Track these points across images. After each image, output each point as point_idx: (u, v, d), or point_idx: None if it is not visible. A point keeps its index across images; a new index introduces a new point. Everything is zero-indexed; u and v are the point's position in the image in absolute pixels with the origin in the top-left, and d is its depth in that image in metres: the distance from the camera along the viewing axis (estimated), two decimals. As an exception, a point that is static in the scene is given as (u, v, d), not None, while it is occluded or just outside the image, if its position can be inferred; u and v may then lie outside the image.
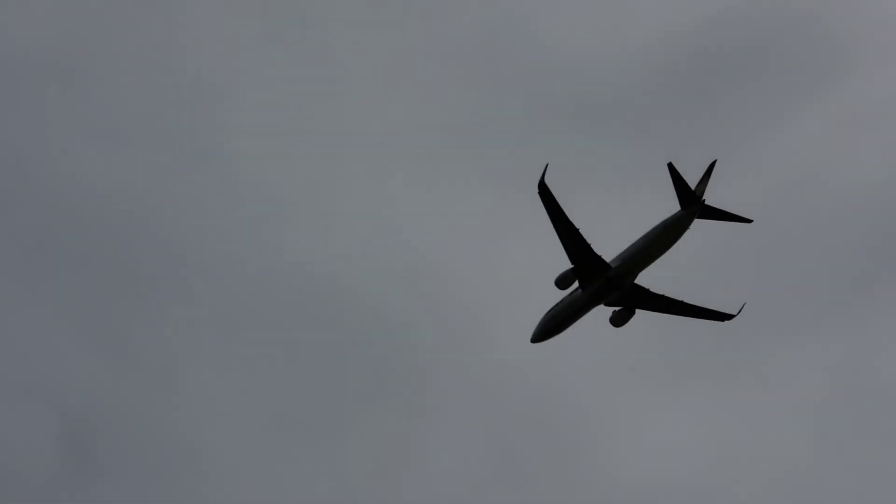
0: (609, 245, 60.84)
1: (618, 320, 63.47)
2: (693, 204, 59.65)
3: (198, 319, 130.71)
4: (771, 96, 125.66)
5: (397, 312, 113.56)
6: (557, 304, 64.12)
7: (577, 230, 60.81)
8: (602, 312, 63.60)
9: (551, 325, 63.85)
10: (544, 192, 59.19)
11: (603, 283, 61.68)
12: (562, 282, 61.53)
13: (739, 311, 63.51)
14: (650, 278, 60.88)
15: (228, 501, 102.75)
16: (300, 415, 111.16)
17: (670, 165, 57.42)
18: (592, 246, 61.63)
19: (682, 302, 63.27)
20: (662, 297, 63.34)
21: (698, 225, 61.01)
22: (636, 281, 62.81)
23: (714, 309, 63.34)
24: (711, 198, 60.36)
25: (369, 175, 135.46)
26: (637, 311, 63.47)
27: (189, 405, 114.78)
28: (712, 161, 59.80)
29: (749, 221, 59.80)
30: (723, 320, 63.44)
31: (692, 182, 60.22)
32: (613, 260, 62.66)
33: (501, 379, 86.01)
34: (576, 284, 62.83)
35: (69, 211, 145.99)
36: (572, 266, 62.10)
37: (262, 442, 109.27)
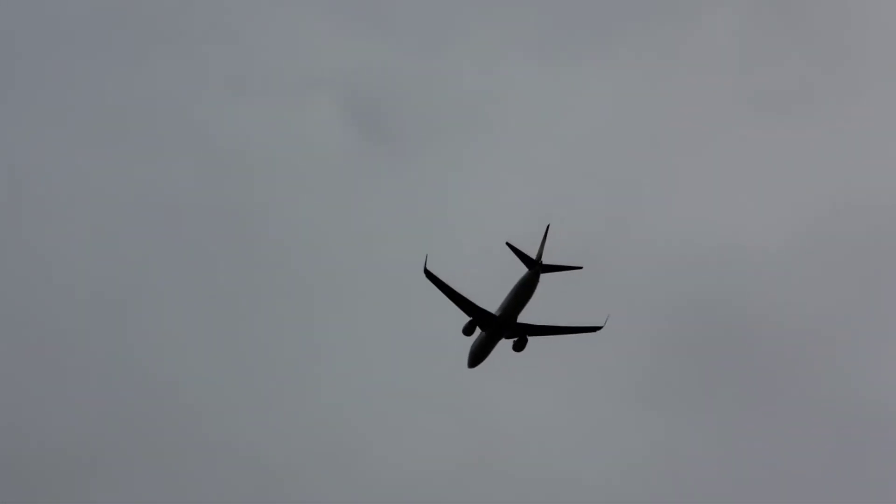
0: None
1: (517, 347, 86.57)
2: (534, 265, 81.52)
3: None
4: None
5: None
6: (475, 342, 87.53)
7: (466, 298, 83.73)
8: (507, 343, 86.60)
9: (475, 357, 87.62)
10: (430, 277, 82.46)
11: (495, 328, 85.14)
12: (467, 330, 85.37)
13: (605, 323, 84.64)
14: (534, 314, 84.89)
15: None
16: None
17: (507, 244, 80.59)
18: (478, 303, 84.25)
19: (560, 326, 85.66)
20: (544, 326, 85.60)
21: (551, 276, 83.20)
22: (519, 320, 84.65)
23: (586, 326, 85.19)
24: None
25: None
26: (530, 337, 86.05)
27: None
28: (547, 225, 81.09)
29: (580, 268, 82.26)
30: (594, 331, 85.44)
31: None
32: (497, 310, 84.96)
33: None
34: (479, 329, 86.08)
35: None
36: (475, 314, 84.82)
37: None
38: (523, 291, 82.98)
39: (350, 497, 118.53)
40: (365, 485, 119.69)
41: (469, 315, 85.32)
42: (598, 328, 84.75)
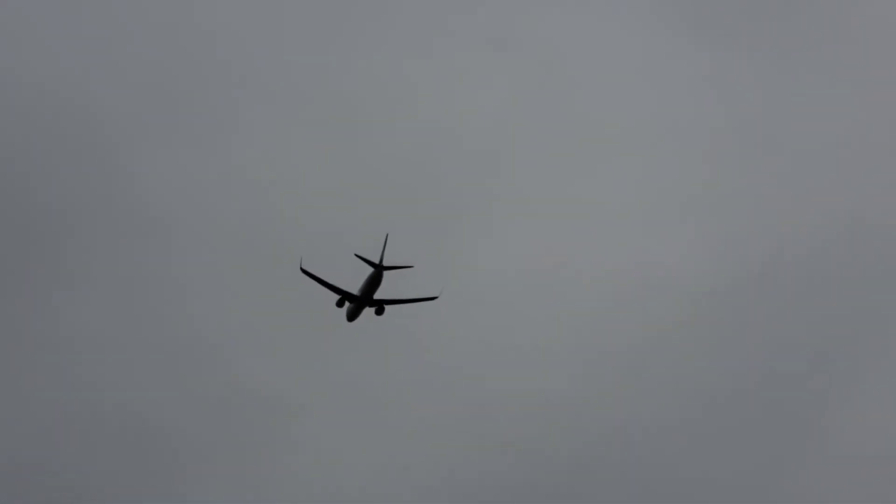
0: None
1: (378, 312, 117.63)
2: (378, 267, 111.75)
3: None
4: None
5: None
6: (348, 308, 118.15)
7: (337, 286, 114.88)
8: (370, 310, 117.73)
9: (350, 317, 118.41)
10: (307, 274, 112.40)
11: (358, 302, 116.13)
12: (340, 303, 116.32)
13: (440, 294, 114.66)
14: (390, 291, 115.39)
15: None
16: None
17: (356, 254, 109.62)
18: (345, 288, 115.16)
19: (407, 298, 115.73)
20: (394, 299, 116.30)
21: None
22: (375, 296, 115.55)
23: (425, 297, 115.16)
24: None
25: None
26: (386, 307, 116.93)
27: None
28: (386, 235, 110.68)
29: (411, 266, 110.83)
30: (433, 299, 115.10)
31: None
32: (358, 291, 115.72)
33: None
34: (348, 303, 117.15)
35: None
36: (341, 294, 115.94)
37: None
38: (372, 283, 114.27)
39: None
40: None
41: (339, 295, 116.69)
42: (436, 298, 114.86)
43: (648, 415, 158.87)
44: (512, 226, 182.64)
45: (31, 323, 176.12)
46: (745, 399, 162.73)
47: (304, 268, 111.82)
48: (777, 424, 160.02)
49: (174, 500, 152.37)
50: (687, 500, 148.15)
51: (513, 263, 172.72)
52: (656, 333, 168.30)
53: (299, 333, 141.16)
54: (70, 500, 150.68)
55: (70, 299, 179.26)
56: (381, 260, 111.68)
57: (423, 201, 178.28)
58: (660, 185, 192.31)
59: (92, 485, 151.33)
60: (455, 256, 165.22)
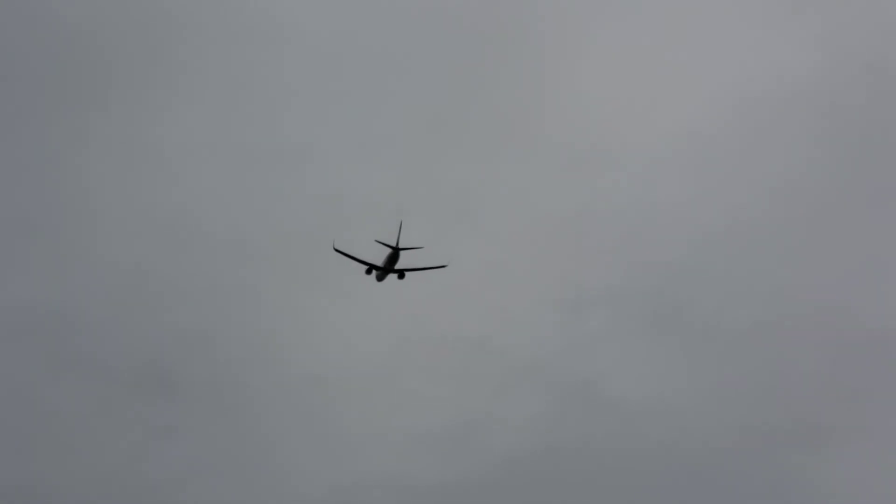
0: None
1: (400, 277, 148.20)
2: (395, 248, 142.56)
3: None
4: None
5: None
6: (376, 274, 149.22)
7: (366, 261, 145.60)
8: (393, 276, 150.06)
9: (378, 279, 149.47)
10: (340, 252, 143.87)
11: (382, 270, 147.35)
12: (369, 272, 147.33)
13: (448, 264, 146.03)
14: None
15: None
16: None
17: (376, 240, 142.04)
18: (371, 261, 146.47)
19: (422, 267, 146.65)
20: (413, 268, 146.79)
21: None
22: (397, 266, 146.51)
23: (435, 265, 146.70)
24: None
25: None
26: (406, 274, 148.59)
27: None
28: (400, 221, 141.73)
29: (421, 248, 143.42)
30: (443, 267, 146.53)
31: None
32: (381, 263, 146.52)
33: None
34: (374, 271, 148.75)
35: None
36: (368, 266, 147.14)
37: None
38: (392, 258, 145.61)
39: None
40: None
41: (368, 265, 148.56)
42: (445, 266, 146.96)
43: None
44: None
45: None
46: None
47: (337, 247, 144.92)
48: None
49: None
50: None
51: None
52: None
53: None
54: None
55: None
56: (398, 242, 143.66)
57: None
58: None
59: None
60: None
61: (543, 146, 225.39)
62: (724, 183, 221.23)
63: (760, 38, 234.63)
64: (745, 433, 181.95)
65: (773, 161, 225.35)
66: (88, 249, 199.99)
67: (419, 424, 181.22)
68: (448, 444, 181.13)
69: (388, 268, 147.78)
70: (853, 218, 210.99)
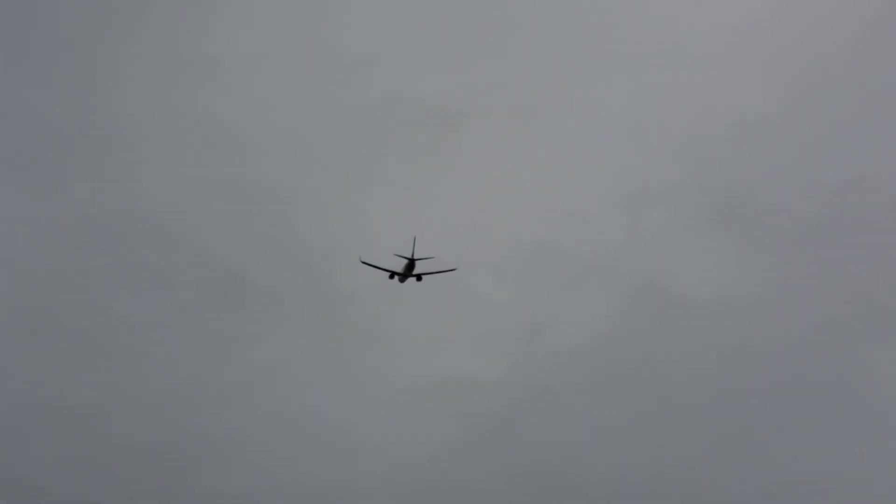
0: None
1: (418, 280, 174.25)
2: (410, 259, 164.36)
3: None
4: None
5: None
6: (398, 275, 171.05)
7: (389, 269, 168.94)
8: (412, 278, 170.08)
9: (400, 280, 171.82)
10: (366, 263, 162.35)
11: (403, 275, 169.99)
12: (392, 277, 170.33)
13: (457, 268, 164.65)
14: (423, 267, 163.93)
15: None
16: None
17: (395, 254, 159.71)
18: (393, 269, 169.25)
19: (434, 272, 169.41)
20: (428, 273, 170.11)
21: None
22: (414, 272, 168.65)
23: (446, 269, 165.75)
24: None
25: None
26: (424, 277, 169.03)
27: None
28: (414, 237, 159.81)
29: (432, 257, 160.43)
30: (453, 270, 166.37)
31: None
32: (401, 270, 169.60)
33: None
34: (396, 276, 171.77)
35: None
36: (390, 272, 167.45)
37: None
38: (408, 267, 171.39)
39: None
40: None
41: (391, 272, 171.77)
42: (454, 269, 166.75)
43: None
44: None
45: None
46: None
47: (363, 259, 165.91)
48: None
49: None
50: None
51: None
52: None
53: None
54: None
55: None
56: (413, 254, 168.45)
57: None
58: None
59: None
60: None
61: (608, 46, 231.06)
62: (782, 75, 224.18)
63: None
64: (811, 325, 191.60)
65: (833, 52, 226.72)
66: (154, 160, 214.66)
67: (487, 325, 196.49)
68: (514, 343, 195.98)
69: (407, 273, 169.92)
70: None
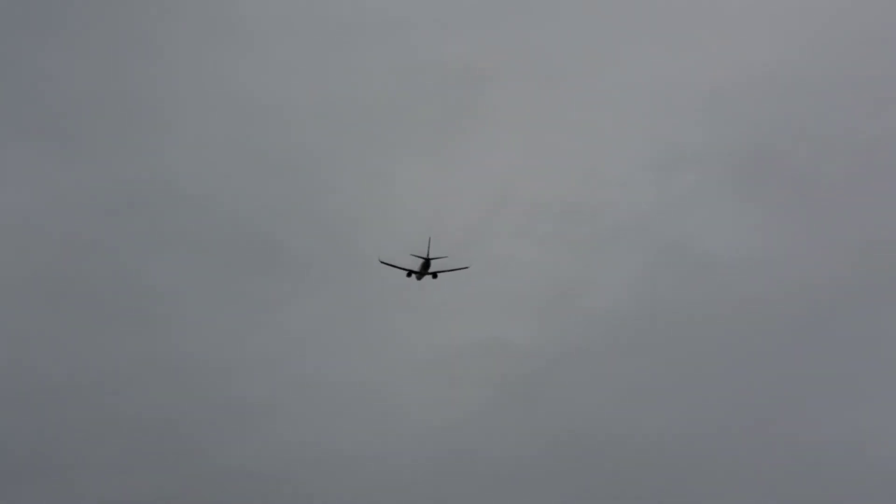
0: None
1: (434, 277, 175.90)
2: (426, 259, 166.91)
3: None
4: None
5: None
6: (415, 274, 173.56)
7: (406, 268, 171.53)
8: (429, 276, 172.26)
9: (417, 278, 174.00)
10: (384, 263, 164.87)
11: (419, 273, 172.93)
12: (409, 275, 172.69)
13: (469, 266, 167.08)
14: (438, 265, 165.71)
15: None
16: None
17: (412, 254, 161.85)
18: (411, 268, 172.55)
19: (448, 269, 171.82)
20: (443, 270, 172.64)
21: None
22: (430, 271, 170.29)
23: (460, 267, 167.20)
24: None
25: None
26: (439, 275, 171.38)
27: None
28: (429, 238, 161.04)
29: (445, 256, 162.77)
30: (465, 268, 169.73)
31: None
32: (418, 268, 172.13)
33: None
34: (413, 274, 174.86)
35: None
36: (408, 271, 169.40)
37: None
38: (424, 266, 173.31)
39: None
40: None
41: (409, 270, 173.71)
42: (467, 268, 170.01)
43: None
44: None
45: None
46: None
47: (382, 260, 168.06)
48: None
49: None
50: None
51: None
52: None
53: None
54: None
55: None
56: (428, 254, 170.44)
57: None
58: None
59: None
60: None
61: (636, 8, 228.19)
62: (811, 35, 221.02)
63: None
64: (840, 286, 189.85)
65: (863, 8, 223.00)
66: (183, 127, 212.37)
67: (517, 289, 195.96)
68: (543, 307, 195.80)
69: (423, 271, 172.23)
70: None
